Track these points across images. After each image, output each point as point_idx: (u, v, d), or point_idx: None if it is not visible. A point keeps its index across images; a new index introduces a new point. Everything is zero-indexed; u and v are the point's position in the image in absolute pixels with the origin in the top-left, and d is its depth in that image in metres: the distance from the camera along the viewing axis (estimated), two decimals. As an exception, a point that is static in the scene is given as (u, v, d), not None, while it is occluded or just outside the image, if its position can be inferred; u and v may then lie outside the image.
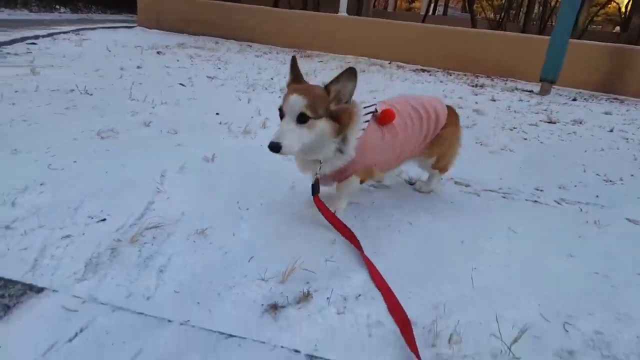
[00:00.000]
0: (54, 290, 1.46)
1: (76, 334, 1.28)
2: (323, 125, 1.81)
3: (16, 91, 3.91)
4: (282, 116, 1.81)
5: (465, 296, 1.64)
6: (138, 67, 5.71)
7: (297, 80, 1.95)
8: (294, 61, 1.99)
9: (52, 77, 4.59)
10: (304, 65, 7.64)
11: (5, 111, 3.32)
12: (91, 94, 4.10)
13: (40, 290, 1.45)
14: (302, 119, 1.76)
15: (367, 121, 1.96)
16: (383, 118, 2.03)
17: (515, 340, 1.37)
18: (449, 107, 2.40)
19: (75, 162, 2.52)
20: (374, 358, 1.32)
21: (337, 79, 1.81)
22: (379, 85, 6.45)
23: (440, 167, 2.49)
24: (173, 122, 3.43)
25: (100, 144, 2.84)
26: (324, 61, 8.84)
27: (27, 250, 1.67)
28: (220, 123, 3.64)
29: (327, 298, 1.55)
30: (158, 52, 7.21)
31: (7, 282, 1.48)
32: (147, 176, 2.40)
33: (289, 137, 1.74)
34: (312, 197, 2.02)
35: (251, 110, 4.12)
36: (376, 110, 2.03)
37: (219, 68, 6.45)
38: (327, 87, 1.83)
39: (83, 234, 1.82)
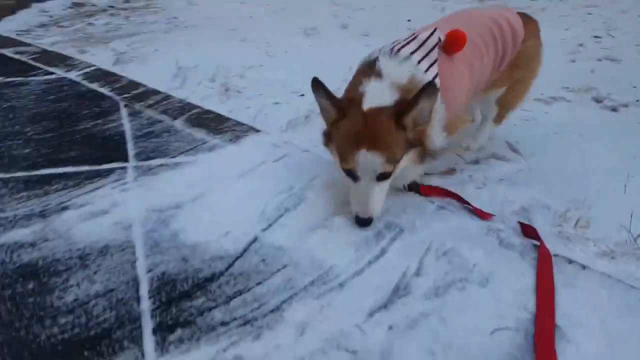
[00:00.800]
0: (266, 133, 2.06)
1: (279, 158, 1.86)
2: (405, 164, 1.42)
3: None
4: (354, 177, 1.40)
5: (610, 198, 1.65)
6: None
7: (340, 107, 1.41)
8: (316, 85, 1.41)
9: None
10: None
11: (237, 9, 4.15)
12: (301, -2, 4.70)
13: (257, 131, 2.08)
14: (383, 176, 1.38)
15: (434, 61, 1.48)
16: (451, 45, 1.52)
17: (644, 233, 1.39)
18: (524, 15, 1.84)
19: (286, 52, 3.11)
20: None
21: (413, 104, 1.31)
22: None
23: (508, 102, 1.88)
24: (366, 26, 3.76)
25: (306, 40, 3.39)
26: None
27: (250, 108, 2.32)
28: (409, 29, 3.81)
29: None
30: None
31: (238, 123, 2.16)
32: (338, 69, 2.83)
33: (376, 203, 1.41)
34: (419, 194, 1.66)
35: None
36: (439, 40, 1.52)
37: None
38: (399, 119, 1.34)
39: (288, 103, 2.40)
